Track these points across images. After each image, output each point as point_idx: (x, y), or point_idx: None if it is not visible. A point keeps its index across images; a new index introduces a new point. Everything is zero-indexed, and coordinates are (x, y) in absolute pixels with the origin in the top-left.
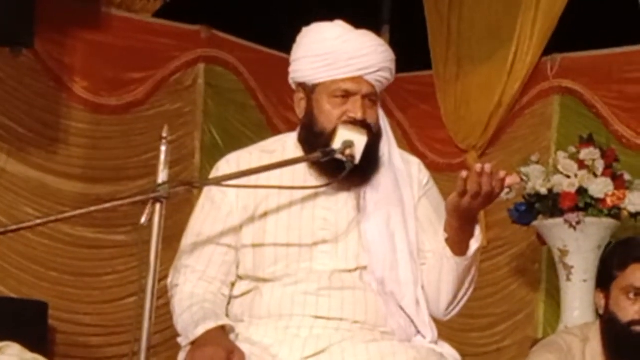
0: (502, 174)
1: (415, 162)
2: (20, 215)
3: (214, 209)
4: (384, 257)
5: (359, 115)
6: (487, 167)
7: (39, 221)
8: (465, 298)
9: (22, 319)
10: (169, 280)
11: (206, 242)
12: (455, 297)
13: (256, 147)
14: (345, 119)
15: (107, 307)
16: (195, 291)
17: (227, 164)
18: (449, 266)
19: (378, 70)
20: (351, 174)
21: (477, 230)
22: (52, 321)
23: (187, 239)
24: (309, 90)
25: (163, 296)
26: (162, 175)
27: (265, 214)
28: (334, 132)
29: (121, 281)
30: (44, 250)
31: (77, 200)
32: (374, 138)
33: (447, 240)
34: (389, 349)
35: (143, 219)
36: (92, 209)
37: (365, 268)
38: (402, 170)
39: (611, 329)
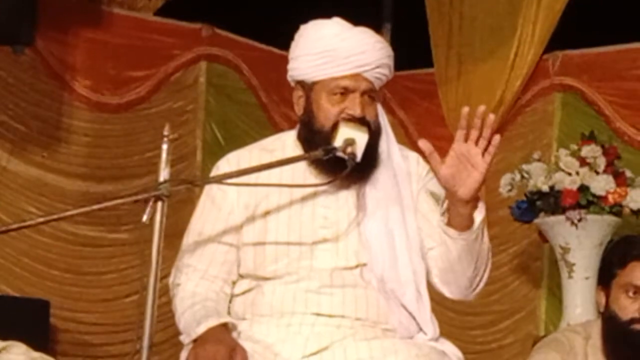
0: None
1: (413, 156)
2: (21, 214)
3: (214, 208)
4: (382, 255)
5: (357, 112)
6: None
7: (40, 219)
8: (487, 271)
9: (24, 318)
10: (171, 279)
11: (207, 241)
12: (475, 271)
13: (256, 145)
14: (343, 116)
15: (109, 306)
16: (197, 290)
17: (227, 163)
18: (457, 246)
19: (376, 67)
20: (351, 171)
21: (480, 203)
22: (54, 320)
23: (189, 238)
24: (308, 88)
25: (165, 294)
26: (164, 174)
27: (265, 213)
28: (332, 129)
29: (123, 279)
30: (46, 249)
31: (79, 198)
32: (373, 135)
33: (448, 222)
34: (390, 346)
35: (145, 218)
36: (94, 207)
37: (365, 265)
38: (402, 167)
39: (611, 326)
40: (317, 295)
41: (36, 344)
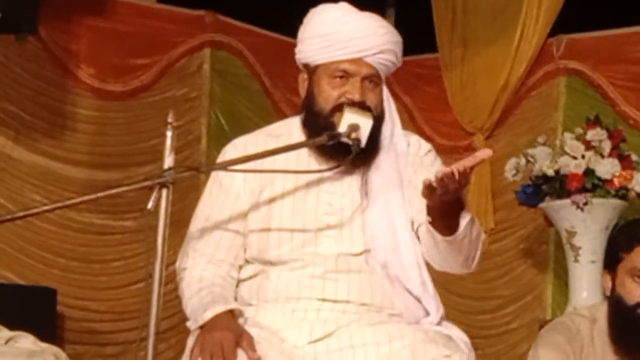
0: (460, 169)
1: (415, 139)
2: (27, 202)
3: (222, 192)
4: (384, 241)
5: (356, 96)
6: (447, 170)
7: (46, 208)
8: (478, 252)
9: (31, 306)
10: (177, 263)
11: (214, 225)
12: (465, 257)
13: (262, 131)
14: (343, 100)
15: (115, 293)
16: (204, 275)
17: (233, 149)
18: (443, 244)
19: (379, 53)
20: (355, 157)
21: (466, 207)
22: (61, 307)
23: (196, 223)
24: (311, 71)
25: (171, 282)
26: (168, 161)
27: (270, 198)
28: (332, 112)
29: (129, 267)
30: (52, 237)
31: (84, 186)
32: (376, 121)
33: (432, 223)
34: (396, 331)
35: (150, 205)
36: (99, 194)
37: (369, 252)
38: (404, 152)
39: (617, 311)
40: (322, 281)
41: (43, 332)
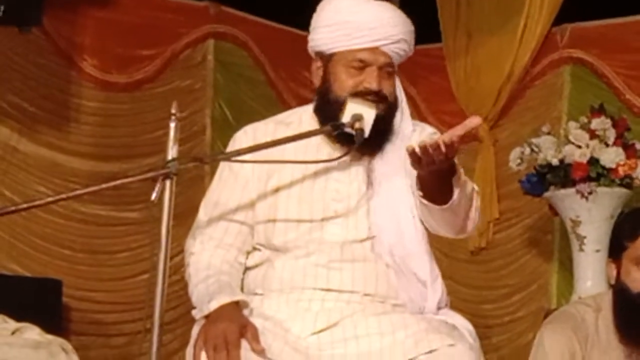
0: (446, 140)
1: (420, 127)
2: (32, 194)
3: (232, 176)
4: (389, 229)
5: (373, 85)
6: (432, 142)
7: (50, 199)
8: (476, 212)
9: (37, 297)
10: (186, 247)
11: (223, 213)
12: (463, 221)
13: (273, 119)
14: (360, 89)
15: (121, 284)
16: (212, 261)
17: (244, 135)
18: (439, 214)
19: (396, 42)
20: (362, 145)
21: (458, 171)
22: (66, 299)
23: (205, 208)
24: (326, 59)
25: (175, 273)
26: (172, 152)
27: (278, 186)
28: (345, 102)
29: (134, 258)
30: (57, 229)
31: (89, 178)
32: (389, 109)
33: (424, 196)
34: (400, 321)
35: (153, 196)
36: (104, 186)
37: (375, 238)
38: (408, 137)
39: (622, 299)
40: (327, 270)
41: (49, 323)
